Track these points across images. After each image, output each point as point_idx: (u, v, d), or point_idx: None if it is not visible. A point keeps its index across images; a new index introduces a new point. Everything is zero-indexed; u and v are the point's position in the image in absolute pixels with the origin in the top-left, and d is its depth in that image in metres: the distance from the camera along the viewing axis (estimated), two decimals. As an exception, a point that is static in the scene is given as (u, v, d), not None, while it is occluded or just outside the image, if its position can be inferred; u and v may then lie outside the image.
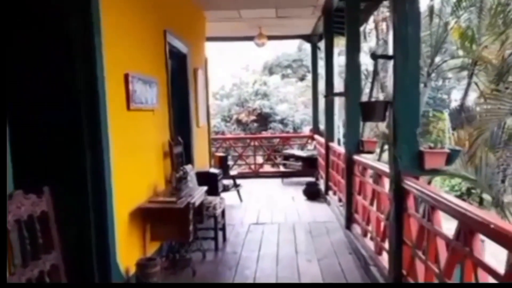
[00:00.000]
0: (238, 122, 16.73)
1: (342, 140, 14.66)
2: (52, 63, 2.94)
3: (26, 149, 2.79)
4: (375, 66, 3.25)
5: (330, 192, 7.29)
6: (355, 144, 5.09)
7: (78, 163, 3.03)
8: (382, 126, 4.98)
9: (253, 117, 16.66)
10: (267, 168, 11.80)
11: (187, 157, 6.08)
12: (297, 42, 26.71)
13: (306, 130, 18.86)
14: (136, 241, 3.83)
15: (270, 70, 26.45)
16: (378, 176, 3.93)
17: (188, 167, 5.01)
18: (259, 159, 11.39)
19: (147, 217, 3.89)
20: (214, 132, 17.98)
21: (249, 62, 25.31)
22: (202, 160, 7.06)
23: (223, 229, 5.33)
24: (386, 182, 3.82)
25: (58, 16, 2.87)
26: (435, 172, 3.07)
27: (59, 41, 2.91)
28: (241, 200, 7.60)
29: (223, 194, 7.37)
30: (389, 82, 3.15)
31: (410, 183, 2.99)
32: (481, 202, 12.72)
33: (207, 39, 8.36)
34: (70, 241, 3.04)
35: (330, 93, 6.50)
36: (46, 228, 2.06)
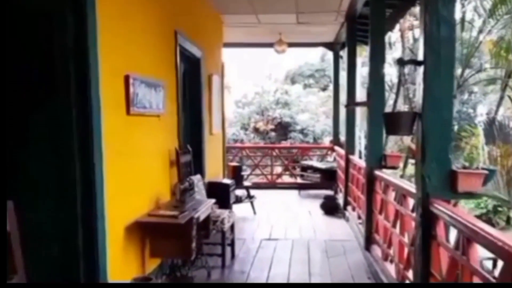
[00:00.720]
0: (256, 130, 16.39)
1: (363, 152, 14.23)
2: (39, 63, 2.66)
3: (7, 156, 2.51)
4: (401, 74, 2.87)
5: (349, 208, 6.86)
6: (377, 158, 4.68)
7: (67, 173, 2.74)
8: (407, 140, 4.56)
9: (271, 126, 16.28)
10: (284, 178, 11.44)
11: (198, 166, 5.77)
12: (320, 51, 26.40)
13: (327, 140, 18.43)
14: (134, 257, 3.51)
15: (292, 79, 26.16)
16: (402, 196, 3.52)
17: (196, 177, 4.70)
18: (277, 169, 11.02)
19: (146, 232, 3.57)
20: (233, 140, 17.74)
21: (271, 71, 25.12)
22: (214, 170, 6.74)
23: (232, 244, 4.99)
24: (411, 202, 3.42)
25: (46, 10, 2.60)
26: (469, 195, 2.65)
27: (48, 38, 2.63)
28: (254, 212, 7.24)
29: (235, 206, 7.06)
30: (418, 91, 2.77)
31: (440, 208, 2.59)
32: (508, 221, 12.03)
33: (225, 45, 8.10)
34: (54, 258, 2.76)
35: (351, 102, 6.10)
36: (9, 249, 1.76)
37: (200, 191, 4.64)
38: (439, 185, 2.67)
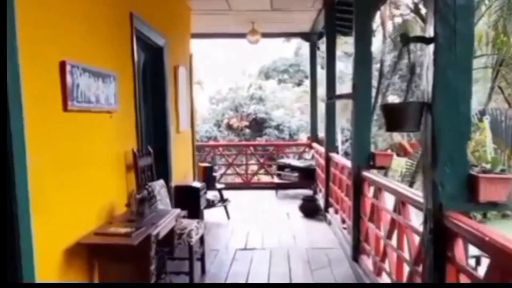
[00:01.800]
0: (229, 127, 15.73)
1: (340, 147, 13.76)
2: None
3: None
4: (400, 53, 2.29)
5: (331, 210, 6.34)
6: (365, 157, 4.14)
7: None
8: (397, 136, 4.05)
9: (246, 123, 15.64)
10: (261, 177, 10.88)
11: (163, 169, 5.13)
12: (294, 46, 26.08)
13: (303, 137, 18.00)
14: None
15: (266, 74, 25.75)
16: (401, 203, 2.98)
17: (158, 183, 4.05)
18: (252, 168, 10.44)
19: (93, 255, 2.92)
20: (206, 137, 17.04)
21: (245, 66, 24.64)
22: (183, 172, 6.09)
23: (202, 259, 4.37)
24: (411, 210, 2.89)
25: None
26: (493, 206, 2.12)
27: None
28: (228, 217, 6.64)
29: (207, 211, 6.44)
30: (426, 76, 2.21)
31: (457, 222, 2.04)
32: (485, 215, 11.94)
33: (194, 35, 7.43)
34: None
35: (333, 95, 5.53)
36: None
37: (163, 199, 4.00)
38: (455, 193, 2.13)
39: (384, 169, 4.33)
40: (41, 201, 2.33)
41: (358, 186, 4.22)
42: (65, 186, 2.67)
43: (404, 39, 2.17)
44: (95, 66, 3.11)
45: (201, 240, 4.34)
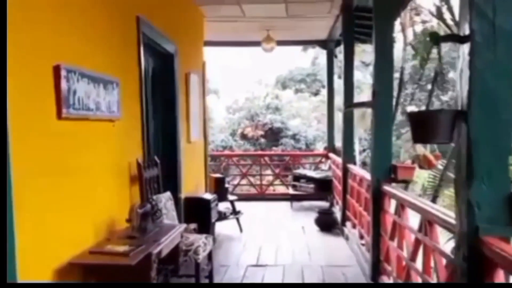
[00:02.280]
0: (243, 137, 15.47)
1: (357, 157, 13.38)
2: None
3: None
4: (440, 57, 2.01)
5: (348, 224, 6.03)
6: (386, 170, 3.85)
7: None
8: (420, 147, 3.74)
9: (260, 132, 15.37)
10: (276, 188, 10.61)
11: (172, 180, 4.92)
12: (311, 55, 25.89)
13: (319, 146, 17.67)
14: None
15: (283, 84, 25.62)
16: (427, 222, 2.68)
17: (164, 196, 3.82)
18: (267, 179, 10.18)
19: (88, 275, 2.69)
20: (222, 147, 16.84)
21: (262, 76, 24.56)
22: (194, 183, 5.87)
23: (210, 276, 4.11)
24: (440, 232, 2.59)
25: None
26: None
27: None
28: (241, 230, 6.37)
29: (219, 224, 6.20)
30: (460, 80, 1.93)
31: (497, 250, 1.74)
32: None
33: (208, 43, 7.28)
34: None
35: (350, 104, 5.23)
36: None
37: (169, 213, 3.76)
38: (494, 215, 1.84)
39: (406, 183, 4.02)
40: (27, 218, 2.12)
41: (377, 200, 3.92)
42: (57, 200, 2.46)
43: (434, 39, 1.90)
44: (95, 71, 2.91)
45: (209, 256, 4.09)
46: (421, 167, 3.84)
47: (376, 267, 3.98)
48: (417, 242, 2.87)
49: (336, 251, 5.38)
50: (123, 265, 2.54)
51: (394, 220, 3.44)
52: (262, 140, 16.56)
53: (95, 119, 2.95)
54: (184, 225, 3.52)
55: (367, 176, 4.69)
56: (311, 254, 5.32)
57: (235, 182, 9.56)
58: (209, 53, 7.05)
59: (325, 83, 21.47)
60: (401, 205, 3.27)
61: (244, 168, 9.72)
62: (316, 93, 24.30)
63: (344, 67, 6.21)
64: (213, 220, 5.39)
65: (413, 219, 3.17)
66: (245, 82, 23.45)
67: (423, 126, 1.94)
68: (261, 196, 9.07)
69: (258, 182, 9.54)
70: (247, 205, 8.28)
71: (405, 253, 3.19)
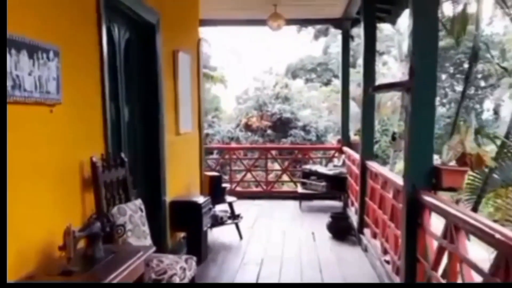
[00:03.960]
0: (248, 127, 14.47)
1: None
2: None
3: None
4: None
5: (367, 232, 5.09)
6: (425, 174, 2.88)
7: None
8: (472, 143, 2.79)
9: (267, 123, 14.34)
10: (283, 185, 9.70)
11: (154, 181, 4.03)
12: (322, 44, 24.83)
13: (331, 138, 16.65)
14: None
15: (293, 73, 24.75)
16: (504, 259, 1.71)
17: (130, 207, 2.90)
18: (274, 175, 9.25)
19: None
20: (229, 138, 15.90)
21: (272, 65, 23.70)
22: (184, 183, 4.95)
23: (194, 308, 3.21)
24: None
25: None
26: None
27: None
28: (240, 237, 5.46)
29: (215, 229, 5.32)
30: None
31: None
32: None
33: (206, 22, 6.38)
34: None
35: (377, 86, 4.15)
36: None
37: (136, 228, 2.84)
38: None
39: (454, 191, 3.06)
40: None
41: (413, 213, 2.97)
42: None
43: None
44: (14, 33, 1.99)
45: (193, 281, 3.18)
46: (472, 168, 2.87)
47: (410, 299, 3.04)
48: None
49: (353, 267, 4.44)
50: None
51: (443, 246, 2.47)
52: (270, 131, 15.58)
53: (16, 102, 2.04)
54: (152, 248, 2.60)
55: (395, 178, 3.75)
56: (322, 270, 4.38)
57: (238, 178, 8.65)
58: (213, 38, 6.19)
59: (337, 72, 20.40)
60: (454, 227, 2.30)
61: (248, 162, 8.78)
62: (327, 83, 23.42)
63: (365, 45, 5.21)
64: (205, 227, 4.48)
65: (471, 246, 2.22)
66: (254, 72, 22.58)
67: None
68: (266, 195, 8.13)
69: (264, 179, 8.60)
70: (250, 204, 7.40)
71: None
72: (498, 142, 5.09)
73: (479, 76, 18.36)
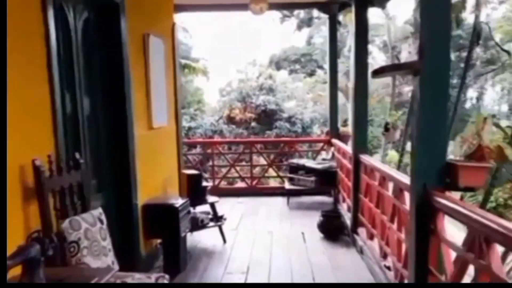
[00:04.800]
0: (230, 120, 13.96)
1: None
2: None
3: None
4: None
5: (362, 232, 4.68)
6: (438, 171, 2.44)
7: None
8: (488, 134, 2.38)
9: (251, 115, 13.83)
10: (269, 181, 9.27)
11: (123, 183, 3.52)
12: (305, 34, 24.40)
13: (316, 129, 16.29)
14: None
15: (277, 64, 24.34)
16: None
17: (87, 219, 2.39)
18: (259, 170, 8.79)
19: None
20: (212, 131, 15.37)
21: (256, 57, 23.38)
22: (160, 184, 4.46)
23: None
24: None
25: None
26: None
27: None
28: (224, 240, 4.98)
29: (197, 233, 4.84)
30: None
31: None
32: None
33: (182, 7, 5.88)
34: None
35: (380, 69, 3.57)
36: None
37: (93, 245, 2.34)
38: None
39: (472, 191, 2.64)
40: None
41: (424, 216, 2.53)
42: None
43: None
44: None
45: (167, 303, 2.70)
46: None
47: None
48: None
49: (349, 273, 4.01)
50: None
51: (467, 260, 2.04)
52: (255, 124, 15.10)
53: None
54: (113, 270, 2.11)
55: (397, 175, 3.32)
56: (315, 276, 3.96)
57: (221, 174, 8.17)
58: (195, 28, 5.75)
59: (321, 63, 19.95)
60: (486, 239, 1.86)
61: (231, 158, 8.30)
62: (311, 74, 23.17)
63: (356, 31, 4.76)
64: (183, 233, 4.00)
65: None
66: (238, 63, 22.17)
67: None
68: (252, 191, 7.66)
69: (248, 175, 8.13)
70: (234, 202, 6.95)
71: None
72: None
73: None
